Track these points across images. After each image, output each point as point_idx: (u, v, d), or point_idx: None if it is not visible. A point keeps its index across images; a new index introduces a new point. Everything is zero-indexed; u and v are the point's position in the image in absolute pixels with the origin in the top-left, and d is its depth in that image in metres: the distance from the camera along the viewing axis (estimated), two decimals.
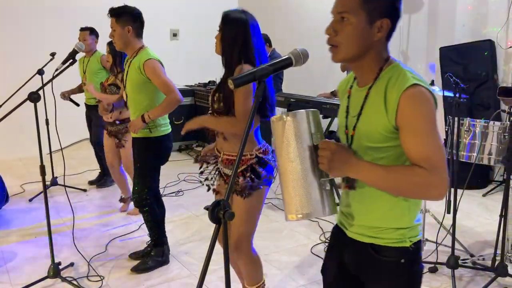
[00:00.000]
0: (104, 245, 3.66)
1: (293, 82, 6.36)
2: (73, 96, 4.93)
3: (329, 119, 4.69)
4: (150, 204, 3.18)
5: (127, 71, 3.05)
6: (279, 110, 6.38)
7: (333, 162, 1.31)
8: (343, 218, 1.52)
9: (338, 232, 1.56)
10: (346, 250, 1.52)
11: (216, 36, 2.32)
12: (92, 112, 4.87)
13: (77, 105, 4.93)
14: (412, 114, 1.28)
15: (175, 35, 7.88)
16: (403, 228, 1.40)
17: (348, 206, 1.48)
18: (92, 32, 4.81)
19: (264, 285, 2.56)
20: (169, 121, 3.23)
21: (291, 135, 1.34)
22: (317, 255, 3.45)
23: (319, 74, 6.90)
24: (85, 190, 5.02)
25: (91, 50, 4.78)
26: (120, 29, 2.98)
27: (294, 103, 5.02)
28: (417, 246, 1.43)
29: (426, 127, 1.28)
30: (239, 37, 2.22)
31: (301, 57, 1.46)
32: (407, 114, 1.28)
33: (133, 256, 3.39)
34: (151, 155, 3.12)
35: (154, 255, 3.26)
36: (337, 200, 1.43)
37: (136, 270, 3.19)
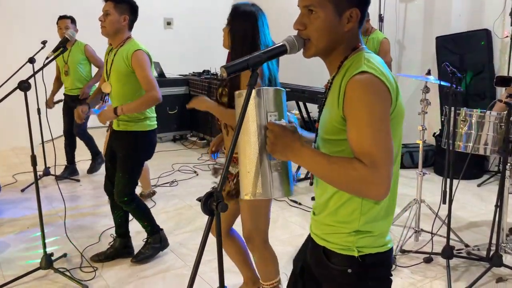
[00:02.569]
0: (97, 235, 3.63)
1: (288, 71, 6.31)
2: (55, 96, 4.99)
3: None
4: (134, 198, 3.12)
5: (112, 61, 2.95)
6: None
7: (275, 146, 1.26)
8: (311, 215, 1.49)
9: (310, 231, 1.50)
10: (309, 250, 1.49)
11: (224, 29, 2.24)
12: (75, 102, 4.80)
13: (62, 100, 5.00)
14: (355, 103, 1.19)
15: (169, 23, 7.80)
16: (351, 233, 1.31)
17: (314, 204, 1.46)
18: (73, 21, 4.74)
19: (280, 283, 2.52)
20: (156, 115, 3.14)
21: (248, 110, 1.28)
22: None
23: (315, 63, 6.85)
24: (78, 181, 4.98)
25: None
26: (117, 15, 2.89)
27: (290, 93, 4.99)
28: (372, 260, 1.31)
29: (369, 118, 1.17)
30: (248, 31, 2.16)
31: (296, 44, 1.42)
32: (350, 103, 1.20)
33: (95, 258, 3.23)
34: (140, 149, 3.06)
35: (152, 242, 3.22)
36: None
37: (137, 260, 3.16)
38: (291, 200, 4.35)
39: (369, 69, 1.20)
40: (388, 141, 1.18)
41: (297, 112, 5.90)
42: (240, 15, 2.19)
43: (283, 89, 1.37)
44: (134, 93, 2.95)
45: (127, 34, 2.99)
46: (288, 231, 3.73)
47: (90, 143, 5.06)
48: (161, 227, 3.30)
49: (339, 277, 1.34)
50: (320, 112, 1.40)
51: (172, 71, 7.16)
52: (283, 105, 1.34)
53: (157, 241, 3.23)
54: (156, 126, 3.13)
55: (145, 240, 3.27)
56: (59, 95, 5.04)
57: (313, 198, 4.36)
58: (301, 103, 5.80)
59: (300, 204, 4.28)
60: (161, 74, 6.80)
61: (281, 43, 1.42)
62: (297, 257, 1.61)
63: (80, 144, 5.12)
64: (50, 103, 4.91)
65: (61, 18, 4.69)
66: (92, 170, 5.17)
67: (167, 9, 7.70)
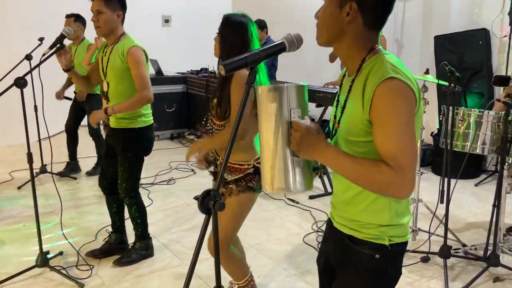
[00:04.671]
0: (94, 233, 3.61)
1: (286, 70, 6.30)
2: (65, 92, 4.94)
3: (322, 107, 4.65)
4: (138, 195, 3.12)
5: (108, 59, 2.91)
6: None
7: (301, 145, 1.28)
8: (332, 208, 1.52)
9: (329, 223, 1.55)
10: (331, 240, 1.52)
11: (215, 38, 2.26)
12: (84, 102, 4.80)
13: (71, 99, 4.94)
14: (384, 108, 1.23)
15: (167, 21, 7.78)
16: (383, 225, 1.36)
17: (335, 196, 1.49)
18: (78, 19, 4.69)
19: (252, 277, 2.53)
20: (151, 111, 3.11)
21: (270, 108, 1.31)
22: (309, 244, 3.43)
23: (313, 62, 6.85)
24: (75, 178, 4.96)
25: (78, 38, 4.68)
26: (110, 13, 2.84)
27: None
28: (397, 248, 1.39)
29: (396, 123, 1.22)
30: (238, 41, 2.18)
31: (294, 42, 1.42)
32: (379, 108, 1.23)
33: (90, 254, 3.22)
34: (138, 146, 3.04)
35: (138, 248, 3.19)
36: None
37: (119, 263, 3.12)
38: (288, 199, 4.34)
39: (396, 75, 1.23)
40: (413, 145, 1.24)
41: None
42: (231, 26, 2.21)
43: (305, 84, 1.37)
44: (132, 90, 2.91)
45: (121, 30, 2.96)
46: (284, 230, 3.72)
47: (99, 146, 5.04)
48: (158, 225, 3.30)
49: (364, 261, 1.38)
50: (337, 112, 1.41)
51: (170, 69, 7.14)
52: (306, 101, 1.36)
53: (144, 247, 3.21)
54: (152, 122, 3.11)
55: (105, 244, 3.27)
56: (70, 92, 5.03)
57: (310, 197, 4.38)
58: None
59: (297, 203, 4.27)
60: (159, 72, 6.78)
61: (280, 41, 1.42)
62: (319, 255, 1.64)
63: (80, 141, 5.10)
64: (60, 95, 4.88)
65: (66, 16, 4.67)
66: (91, 173, 5.12)
67: (165, 7, 7.68)
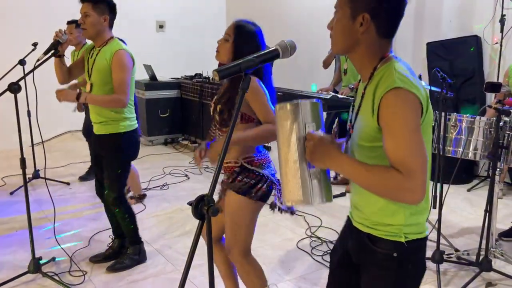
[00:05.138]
0: (87, 239, 3.60)
1: (280, 76, 6.32)
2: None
3: None
4: (124, 200, 3.11)
5: (94, 60, 2.90)
6: None
7: (314, 154, 1.34)
8: (351, 208, 1.57)
9: (348, 221, 1.61)
10: (350, 238, 1.57)
11: (221, 42, 2.22)
12: None
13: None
14: (391, 116, 1.28)
15: (161, 26, 7.79)
16: (399, 223, 1.40)
17: (354, 197, 1.54)
18: (79, 25, 4.68)
19: None
20: (135, 115, 3.10)
21: (285, 124, 1.37)
22: (302, 250, 3.44)
23: (306, 67, 6.88)
24: (68, 184, 4.94)
25: (79, 43, 4.68)
26: (97, 16, 2.85)
27: (281, 97, 4.99)
28: (415, 245, 1.42)
29: (404, 130, 1.27)
30: (252, 50, 2.17)
31: (288, 49, 1.44)
32: (386, 116, 1.29)
33: (94, 259, 3.24)
34: (123, 150, 3.02)
35: (131, 253, 3.18)
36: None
37: (113, 269, 3.11)
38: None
39: (402, 84, 1.27)
40: (422, 150, 1.27)
41: None
42: (245, 34, 2.18)
43: (319, 101, 1.42)
44: (111, 91, 2.90)
45: (110, 34, 2.95)
46: (278, 235, 3.73)
47: None
48: (151, 230, 3.29)
49: (383, 260, 1.42)
50: (353, 117, 1.46)
51: (164, 74, 7.14)
52: (320, 116, 1.41)
53: (136, 252, 3.19)
54: (136, 126, 3.10)
55: (109, 248, 3.27)
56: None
57: None
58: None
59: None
60: (152, 77, 6.78)
61: (274, 48, 1.44)
62: (334, 250, 1.69)
63: (73, 146, 5.07)
64: (79, 108, 4.78)
65: (67, 23, 4.66)
66: (85, 178, 5.11)
67: (159, 12, 7.69)
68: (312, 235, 3.68)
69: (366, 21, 1.34)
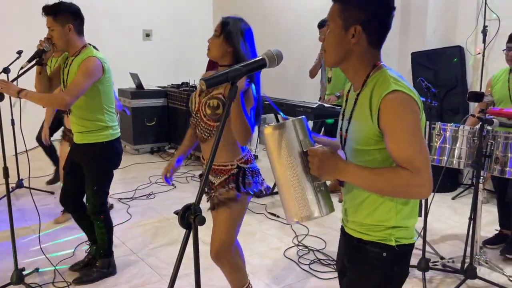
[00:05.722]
0: (71, 249, 3.55)
1: (267, 85, 6.34)
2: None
3: None
4: (106, 210, 3.06)
5: (69, 70, 2.86)
6: None
7: (322, 169, 1.38)
8: (343, 215, 1.61)
9: (342, 229, 1.65)
10: (343, 245, 1.63)
11: (211, 40, 2.25)
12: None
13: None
14: (392, 118, 1.34)
15: (148, 35, 7.78)
16: (390, 227, 1.46)
17: (345, 203, 1.58)
18: None
19: (250, 284, 2.56)
20: (118, 123, 3.06)
21: (281, 145, 1.40)
22: (289, 259, 3.43)
23: (293, 76, 6.91)
24: (52, 193, 4.88)
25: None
26: (60, 28, 2.78)
27: (268, 105, 5.00)
28: (404, 249, 1.48)
29: (406, 130, 1.33)
30: (242, 47, 2.22)
31: (275, 59, 1.45)
32: (387, 119, 1.34)
33: (74, 267, 3.19)
34: (104, 160, 2.98)
35: (100, 266, 3.10)
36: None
37: (80, 282, 3.03)
38: (269, 213, 4.35)
39: (399, 88, 1.34)
40: (424, 147, 1.35)
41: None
42: (234, 27, 2.22)
43: (303, 117, 1.46)
44: (91, 100, 2.86)
45: (82, 42, 2.89)
46: (265, 244, 3.72)
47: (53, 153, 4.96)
48: (137, 240, 3.25)
49: (374, 259, 1.48)
50: (346, 124, 1.51)
51: (151, 83, 7.12)
52: (308, 131, 1.45)
53: (105, 265, 3.12)
54: (119, 135, 3.05)
55: (88, 254, 3.22)
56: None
57: None
58: (279, 116, 5.83)
59: (278, 216, 4.28)
60: (139, 86, 6.75)
61: (261, 57, 1.45)
62: (337, 263, 1.75)
63: (39, 157, 5.01)
64: (46, 138, 4.49)
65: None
66: (54, 181, 5.05)
67: (146, 21, 7.69)
68: (299, 244, 3.68)
69: (358, 32, 1.40)
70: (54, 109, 4.48)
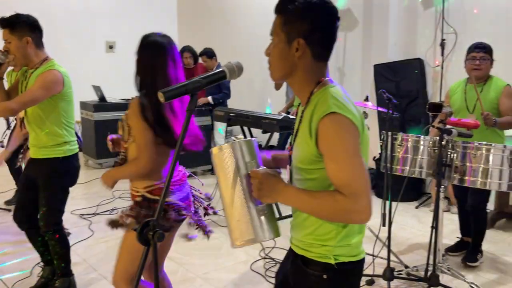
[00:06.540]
0: (28, 269, 3.40)
1: (233, 97, 6.35)
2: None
3: (269, 134, 4.70)
4: (61, 229, 2.95)
5: (27, 83, 2.76)
6: (218, 125, 6.35)
7: (262, 191, 1.36)
8: (290, 230, 1.58)
9: (291, 243, 1.61)
10: (289, 262, 1.57)
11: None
12: None
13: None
14: (329, 142, 1.31)
15: (111, 47, 7.67)
16: (330, 245, 1.41)
17: (292, 219, 1.55)
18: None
19: None
20: (76, 138, 2.98)
21: (226, 166, 1.39)
22: (256, 272, 3.40)
23: (260, 89, 6.95)
24: (9, 211, 4.69)
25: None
26: (18, 41, 2.69)
27: (234, 117, 4.99)
28: (345, 268, 1.42)
29: (343, 154, 1.30)
30: (156, 62, 2.10)
31: (235, 70, 1.44)
32: (325, 141, 1.32)
33: None
34: (61, 176, 2.87)
35: (59, 286, 2.97)
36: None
37: None
38: None
39: (338, 109, 1.31)
40: (363, 171, 1.32)
41: (241, 136, 5.91)
42: (148, 45, 2.12)
43: (253, 139, 1.47)
44: (49, 114, 2.78)
45: (42, 54, 2.81)
46: (232, 258, 3.68)
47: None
48: (99, 257, 3.14)
49: (315, 283, 1.43)
50: (292, 139, 1.49)
51: (114, 95, 6.99)
52: (257, 153, 1.44)
53: (65, 285, 2.99)
54: (77, 150, 2.96)
55: (41, 278, 3.09)
56: None
57: None
58: (245, 128, 5.82)
59: None
60: (102, 99, 6.63)
61: (221, 69, 1.43)
62: (279, 270, 1.70)
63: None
64: (20, 160, 4.40)
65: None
66: (11, 201, 4.84)
67: (109, 33, 7.58)
68: (266, 257, 3.66)
69: (302, 46, 1.37)
70: (22, 137, 4.25)
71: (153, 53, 2.10)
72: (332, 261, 1.40)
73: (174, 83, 2.00)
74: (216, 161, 1.41)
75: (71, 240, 3.38)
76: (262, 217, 1.39)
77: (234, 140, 1.41)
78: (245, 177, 1.38)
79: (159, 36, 2.12)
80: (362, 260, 1.48)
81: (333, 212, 1.31)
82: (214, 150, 1.41)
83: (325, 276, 1.41)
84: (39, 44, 2.80)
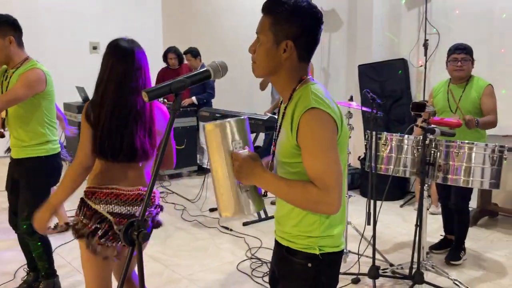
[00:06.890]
0: (12, 272, 3.35)
1: (219, 97, 6.34)
2: None
3: (254, 134, 4.71)
4: None
5: (8, 83, 2.74)
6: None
7: (240, 173, 1.45)
8: (275, 224, 1.64)
9: (275, 238, 1.65)
10: (274, 253, 1.65)
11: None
12: None
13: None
14: (308, 135, 1.38)
15: (95, 48, 7.60)
16: (313, 236, 1.48)
17: (276, 212, 1.62)
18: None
19: None
20: (58, 138, 2.96)
21: (216, 142, 1.46)
22: (243, 272, 3.40)
23: (245, 89, 6.94)
24: None
25: None
26: (1, 41, 2.67)
27: (219, 118, 4.98)
28: (329, 258, 1.50)
29: (320, 148, 1.37)
30: (116, 67, 2.05)
31: (219, 70, 1.44)
32: (304, 135, 1.38)
33: None
34: (44, 175, 2.84)
35: None
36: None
37: None
38: (222, 227, 4.30)
39: (318, 105, 1.37)
40: (337, 166, 1.38)
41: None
42: (116, 53, 2.09)
43: (245, 117, 1.52)
44: (32, 113, 2.75)
45: (23, 54, 2.79)
46: (218, 259, 3.67)
47: None
48: (80, 260, 3.10)
49: (300, 271, 1.50)
50: (275, 136, 1.55)
51: None
52: (247, 132, 1.51)
53: (50, 287, 2.97)
54: (59, 150, 2.94)
55: (23, 282, 3.06)
56: None
57: (244, 224, 4.37)
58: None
59: (231, 230, 4.24)
60: (85, 100, 6.55)
61: (205, 69, 1.44)
62: (270, 268, 1.73)
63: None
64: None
65: None
66: None
67: (93, 34, 7.51)
68: (252, 257, 3.66)
69: (290, 47, 1.42)
70: None
71: (111, 57, 2.06)
72: (317, 252, 1.48)
73: (130, 88, 2.01)
74: (208, 136, 1.47)
75: (56, 242, 3.34)
76: (245, 193, 1.49)
77: (229, 120, 1.46)
78: (231, 155, 1.46)
79: (124, 41, 2.09)
80: (342, 251, 1.56)
81: (305, 201, 1.39)
82: (208, 126, 1.46)
83: (309, 265, 1.48)
84: (20, 44, 2.79)
